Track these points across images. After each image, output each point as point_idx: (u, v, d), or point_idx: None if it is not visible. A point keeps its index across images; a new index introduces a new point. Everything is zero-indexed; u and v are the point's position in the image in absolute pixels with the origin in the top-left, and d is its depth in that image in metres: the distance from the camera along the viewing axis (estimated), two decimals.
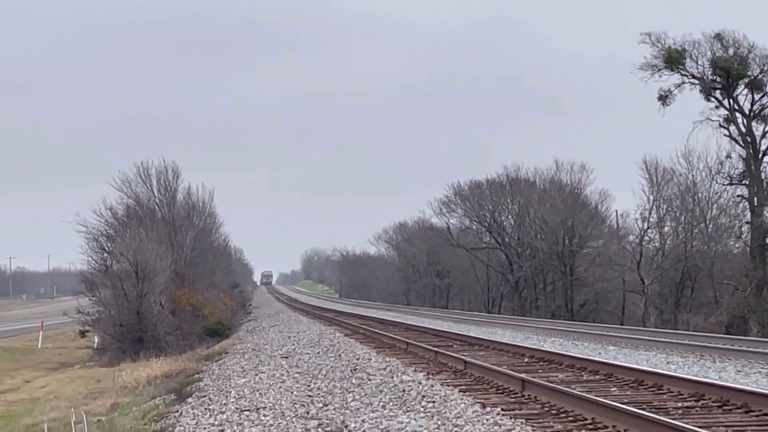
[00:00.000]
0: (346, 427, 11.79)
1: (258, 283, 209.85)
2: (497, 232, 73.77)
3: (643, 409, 11.02)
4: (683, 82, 48.24)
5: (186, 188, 62.08)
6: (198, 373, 23.46)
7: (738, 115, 47.21)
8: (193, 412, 14.49)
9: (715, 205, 52.31)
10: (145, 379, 25.88)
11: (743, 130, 47.11)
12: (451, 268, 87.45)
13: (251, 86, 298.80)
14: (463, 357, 18.80)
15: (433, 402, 13.28)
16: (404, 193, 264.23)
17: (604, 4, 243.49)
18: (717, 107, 47.56)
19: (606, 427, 10.69)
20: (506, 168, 74.84)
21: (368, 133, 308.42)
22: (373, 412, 12.80)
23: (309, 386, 16.64)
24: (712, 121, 47.52)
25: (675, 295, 51.72)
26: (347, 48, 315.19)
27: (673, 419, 10.32)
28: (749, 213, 47.66)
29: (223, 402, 15.32)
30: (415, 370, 17.80)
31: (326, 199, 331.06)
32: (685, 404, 12.19)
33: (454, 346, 24.35)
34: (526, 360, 19.50)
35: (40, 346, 54.59)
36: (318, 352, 24.57)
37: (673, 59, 47.55)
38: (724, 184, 49.95)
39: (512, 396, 13.75)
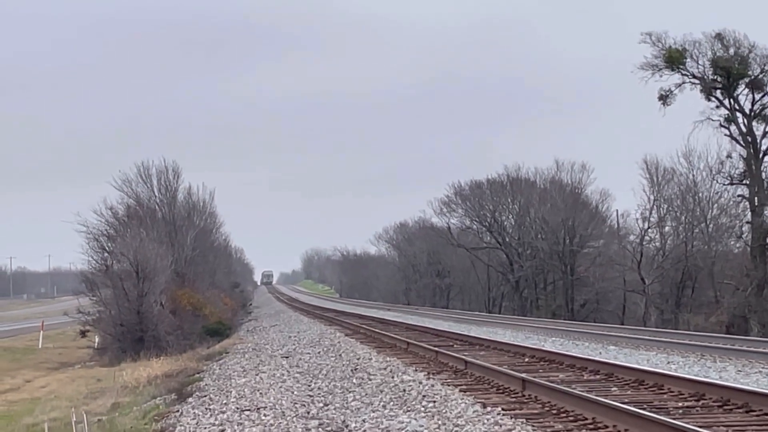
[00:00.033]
0: (347, 426, 11.79)
1: (258, 283, 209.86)
2: (498, 231, 73.76)
3: (644, 409, 11.02)
4: (684, 82, 48.26)
5: (186, 188, 62.20)
6: (198, 373, 23.47)
7: (738, 114, 47.20)
8: (194, 412, 14.49)
9: (716, 205, 52.32)
10: (146, 378, 25.88)
11: (744, 129, 47.10)
12: (451, 268, 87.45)
13: (251, 86, 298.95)
14: (463, 357, 18.79)
15: (434, 402, 13.28)
16: (405, 192, 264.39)
17: (604, 4, 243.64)
18: (717, 107, 47.59)
19: (606, 426, 10.69)
20: (507, 168, 74.91)
21: (368, 132, 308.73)
22: (373, 411, 12.80)
23: (309, 386, 16.64)
24: (712, 120, 47.55)
25: (675, 295, 51.72)
26: (347, 48, 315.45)
27: (674, 419, 10.32)
28: (750, 213, 47.65)
29: (224, 402, 15.32)
30: (416, 370, 17.79)
31: (327, 198, 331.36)
32: (686, 404, 12.18)
33: (455, 345, 24.34)
34: (526, 360, 19.50)
35: (40, 346, 54.60)
36: (318, 352, 24.57)
37: (674, 59, 47.53)
38: (724, 184, 49.98)
39: (513, 396, 13.75)
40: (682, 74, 48.05)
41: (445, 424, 11.38)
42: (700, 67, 47.75)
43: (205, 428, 12.66)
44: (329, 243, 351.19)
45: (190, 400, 16.78)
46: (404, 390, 14.90)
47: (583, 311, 60.41)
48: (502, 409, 12.13)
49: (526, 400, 13.20)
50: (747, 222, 48.59)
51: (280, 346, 28.54)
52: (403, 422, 11.63)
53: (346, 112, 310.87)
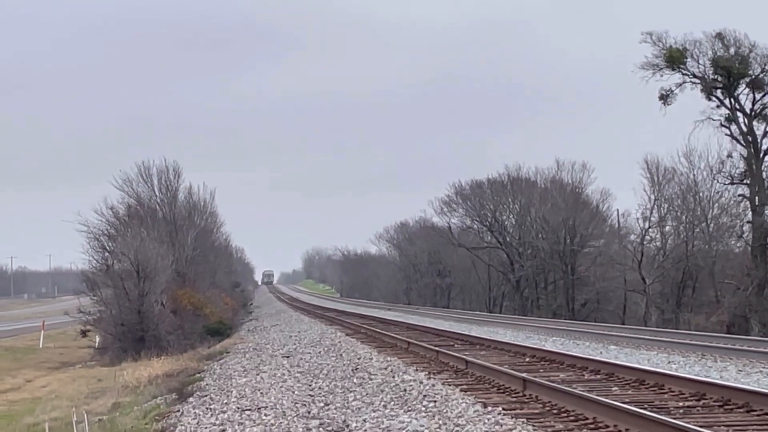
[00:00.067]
0: (348, 426, 11.79)
1: (259, 283, 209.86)
2: (498, 231, 73.78)
3: (645, 409, 11.02)
4: (684, 82, 48.24)
5: (187, 188, 62.23)
6: (199, 373, 23.48)
7: (739, 114, 47.19)
8: (195, 412, 14.50)
9: (717, 205, 52.33)
10: (147, 378, 25.89)
11: (744, 129, 47.09)
12: (452, 268, 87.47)
13: (251, 86, 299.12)
14: (464, 356, 18.80)
15: (435, 401, 13.28)
16: (405, 192, 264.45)
17: (605, 4, 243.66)
18: (718, 106, 47.57)
19: (607, 426, 10.68)
20: (507, 167, 74.97)
21: (369, 132, 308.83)
22: (374, 411, 12.80)
23: (310, 386, 16.64)
24: (713, 120, 47.54)
25: (676, 295, 51.72)
26: (347, 48, 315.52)
27: (675, 419, 10.32)
28: (750, 212, 47.64)
29: (225, 401, 15.33)
30: (417, 370, 17.80)
31: (327, 198, 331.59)
32: (687, 404, 12.18)
33: (456, 345, 24.35)
34: (527, 359, 19.50)
35: (41, 346, 54.61)
36: (319, 352, 24.57)
37: (674, 58, 47.52)
38: (725, 184, 49.99)
39: (513, 395, 13.75)
40: (683, 74, 48.07)
41: (445, 423, 11.37)
42: (700, 66, 47.80)
43: (206, 428, 12.66)
44: (330, 242, 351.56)
45: (190, 399, 16.78)
46: (405, 390, 14.90)
47: (583, 311, 60.42)
48: (503, 409, 12.13)
49: (526, 400, 13.20)
50: (748, 221, 48.59)
51: (281, 345, 28.54)
52: (403, 422, 11.63)
53: (346, 112, 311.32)
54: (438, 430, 11.11)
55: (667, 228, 55.50)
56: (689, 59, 47.75)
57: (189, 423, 13.35)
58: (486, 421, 11.31)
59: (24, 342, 59.36)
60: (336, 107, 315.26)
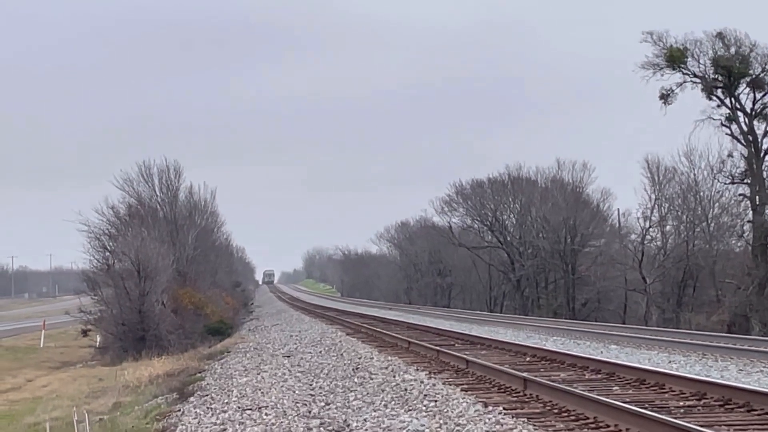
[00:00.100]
0: (348, 426, 11.79)
1: (260, 282, 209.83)
2: (499, 231, 73.79)
3: (645, 408, 11.02)
4: (685, 81, 48.24)
5: (188, 187, 62.25)
6: (200, 372, 23.49)
7: (740, 113, 47.18)
8: (195, 411, 14.50)
9: (717, 204, 52.36)
10: (147, 378, 25.91)
11: (745, 128, 47.08)
12: (452, 267, 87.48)
13: (252, 86, 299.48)
14: (465, 356, 18.80)
15: (435, 401, 13.28)
16: (406, 192, 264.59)
17: (605, 4, 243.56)
18: (719, 106, 47.57)
19: (608, 426, 10.68)
20: (508, 167, 75.02)
21: (369, 132, 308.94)
22: (375, 411, 12.80)
23: (311, 385, 16.64)
24: (713, 119, 47.54)
25: (677, 294, 51.73)
26: (347, 48, 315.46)
27: (675, 418, 10.32)
28: (751, 212, 47.63)
29: (225, 401, 15.33)
30: (417, 369, 17.80)
31: (328, 198, 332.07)
32: (687, 403, 12.18)
33: (456, 345, 24.35)
34: (528, 359, 19.50)
35: (42, 345, 54.63)
36: (320, 351, 24.57)
37: (675, 58, 47.52)
38: (725, 183, 50.01)
39: (514, 395, 13.75)
40: (683, 73, 48.06)
41: (446, 423, 11.38)
42: (701, 66, 47.79)
43: (207, 427, 12.67)
44: (331, 242, 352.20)
45: (191, 399, 16.79)
46: (405, 389, 14.90)
47: (584, 310, 60.42)
48: (504, 409, 12.13)
49: (527, 400, 13.20)
50: (748, 221, 48.59)
51: (282, 345, 28.54)
52: (404, 421, 11.63)
53: (346, 112, 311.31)
54: (439, 429, 11.11)
55: (668, 227, 55.55)
56: (690, 59, 47.77)
57: (190, 422, 13.35)
58: (487, 420, 11.31)
59: (25, 341, 59.39)
60: (336, 107, 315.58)
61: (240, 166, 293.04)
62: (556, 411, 11.99)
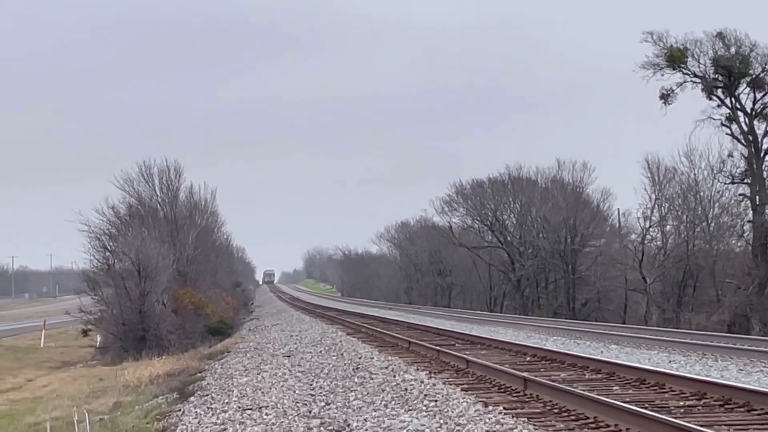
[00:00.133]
0: (349, 426, 11.80)
1: (260, 282, 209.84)
2: (499, 230, 73.80)
3: (645, 408, 11.03)
4: (685, 81, 48.23)
5: (188, 187, 62.26)
6: (200, 372, 23.49)
7: (740, 113, 47.17)
8: (196, 411, 14.51)
9: (717, 204, 52.36)
10: (148, 377, 25.91)
11: (745, 128, 47.08)
12: (453, 267, 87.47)
13: (252, 86, 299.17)
14: (465, 356, 18.80)
15: (436, 401, 13.29)
16: (406, 191, 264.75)
17: (605, 4, 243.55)
18: (719, 106, 47.57)
19: (608, 426, 10.69)
20: (508, 167, 75.04)
21: (369, 131, 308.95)
22: (375, 411, 12.81)
23: (311, 385, 16.65)
24: (713, 119, 47.54)
25: (677, 294, 51.73)
26: (347, 48, 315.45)
27: (675, 418, 10.33)
28: (751, 212, 47.64)
29: (226, 401, 15.34)
30: (417, 369, 17.81)
31: (328, 198, 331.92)
32: (687, 403, 12.19)
33: (456, 345, 24.35)
34: (528, 359, 19.51)
35: (42, 345, 54.63)
36: (320, 351, 24.58)
37: (675, 58, 47.51)
38: (726, 183, 50.01)
39: (514, 395, 13.75)
40: (684, 73, 48.06)
41: (446, 423, 11.38)
42: (701, 66, 47.79)
43: (207, 427, 12.67)
44: (331, 242, 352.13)
45: (191, 399, 16.79)
46: (406, 389, 14.91)
47: (584, 310, 60.42)
48: (504, 408, 12.14)
49: (527, 400, 13.21)
50: (748, 221, 48.59)
51: (282, 345, 28.55)
52: (404, 421, 11.63)
53: (346, 112, 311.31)
54: (439, 429, 11.11)
55: (668, 227, 55.55)
56: (690, 59, 47.76)
57: (190, 422, 13.36)
58: (487, 420, 11.31)
59: (25, 341, 59.39)
60: (336, 107, 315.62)
61: (240, 166, 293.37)
62: (556, 411, 12.00)
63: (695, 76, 47.88)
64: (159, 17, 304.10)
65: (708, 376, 15.58)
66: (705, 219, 52.28)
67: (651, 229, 55.18)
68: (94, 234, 49.46)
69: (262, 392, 16.03)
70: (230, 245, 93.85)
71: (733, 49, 46.97)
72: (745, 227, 50.10)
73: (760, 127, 47.05)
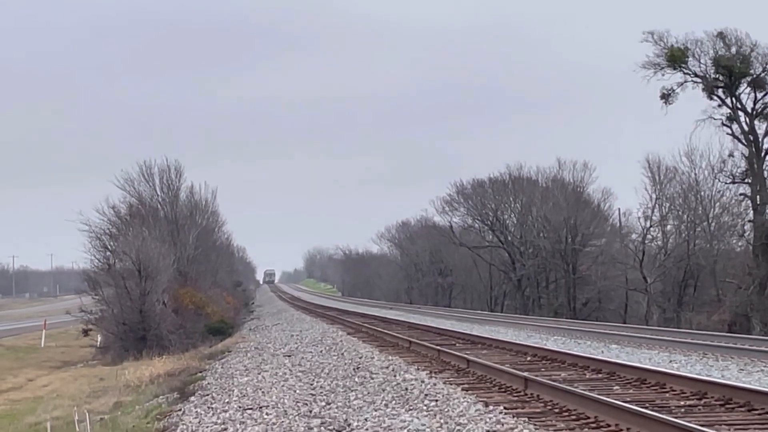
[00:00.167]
0: (349, 425, 11.79)
1: (261, 282, 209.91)
2: (500, 230, 73.79)
3: (646, 408, 11.02)
4: (686, 81, 48.20)
5: (189, 187, 62.27)
6: (201, 372, 23.49)
7: (740, 113, 47.14)
8: (196, 411, 14.50)
9: (718, 204, 52.33)
10: (148, 377, 25.91)
11: (746, 128, 47.06)
12: (453, 267, 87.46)
13: (252, 86, 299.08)
14: (465, 355, 18.81)
15: (436, 400, 13.29)
16: (406, 191, 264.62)
17: (606, 4, 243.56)
18: (719, 106, 47.54)
19: (609, 425, 10.69)
20: (509, 166, 75.04)
21: (370, 131, 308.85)
22: (375, 410, 12.81)
23: (312, 385, 16.65)
24: (714, 119, 47.52)
25: (677, 294, 51.71)
26: (347, 48, 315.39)
27: (676, 418, 10.33)
28: (752, 211, 47.62)
29: (226, 400, 15.34)
30: (418, 369, 17.81)
31: (329, 197, 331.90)
32: (688, 403, 12.19)
33: (457, 344, 24.36)
34: (528, 358, 19.51)
35: (43, 345, 54.64)
36: (321, 351, 24.58)
37: (676, 58, 47.50)
38: (726, 183, 49.98)
39: (515, 394, 13.76)
40: (684, 73, 48.03)
41: (447, 423, 11.38)
42: (702, 65, 47.76)
43: (208, 427, 12.67)
44: (331, 242, 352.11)
45: (192, 398, 16.79)
46: (406, 389, 14.91)
47: (585, 310, 60.41)
48: (504, 408, 12.14)
49: (528, 399, 13.21)
50: (749, 220, 48.58)
51: (283, 344, 28.55)
52: (405, 421, 11.63)
53: (347, 112, 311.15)
54: (439, 429, 11.11)
55: (669, 227, 55.54)
56: (690, 58, 47.74)
57: (191, 422, 13.36)
58: (487, 420, 11.31)
59: (26, 341, 59.39)
60: (336, 107, 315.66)
61: (240, 166, 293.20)
62: (556, 410, 12.00)
63: (696, 75, 47.87)
64: (159, 17, 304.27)
65: (709, 375, 15.58)
66: (706, 219, 52.27)
67: (651, 228, 55.20)
68: (95, 234, 49.52)
69: (263, 392, 16.03)
70: (231, 245, 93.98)
71: (733, 49, 46.95)
72: (745, 227, 50.11)
73: (760, 126, 47.06)
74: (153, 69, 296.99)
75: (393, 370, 17.85)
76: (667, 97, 48.57)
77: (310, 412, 13.17)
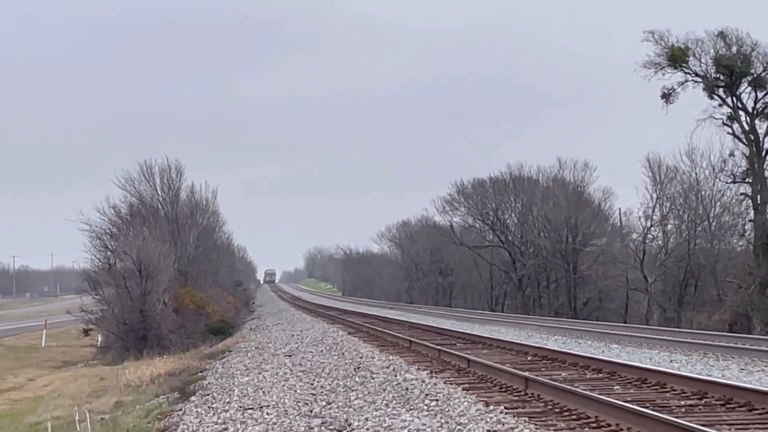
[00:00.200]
0: (350, 425, 11.79)
1: (261, 282, 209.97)
2: (500, 230, 73.78)
3: (647, 408, 11.02)
4: (686, 80, 48.15)
5: (189, 186, 62.30)
6: (201, 372, 23.48)
7: (741, 113, 47.10)
8: (197, 411, 14.50)
9: (719, 203, 52.32)
10: (149, 377, 25.91)
11: (746, 128, 47.02)
12: (454, 267, 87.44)
13: (252, 86, 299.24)
14: (466, 355, 18.81)
15: (437, 400, 13.28)
16: (407, 191, 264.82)
17: (606, 3, 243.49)
18: (720, 105, 47.49)
19: (609, 425, 10.68)
20: (509, 166, 75.04)
21: (370, 131, 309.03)
22: (376, 410, 12.80)
23: (312, 384, 16.65)
24: (715, 119, 47.47)
25: (678, 293, 51.70)
26: (347, 48, 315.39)
27: (677, 417, 10.32)
28: (752, 211, 47.59)
29: (227, 400, 15.33)
30: (419, 369, 17.81)
31: (329, 197, 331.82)
32: (689, 402, 12.18)
33: (458, 344, 24.35)
34: (529, 358, 19.50)
35: (43, 345, 54.64)
36: (321, 351, 24.58)
37: (677, 57, 47.46)
38: (727, 182, 49.94)
39: (516, 394, 13.75)
40: (685, 72, 47.99)
41: (447, 422, 11.38)
42: (702, 65, 47.72)
43: (208, 427, 12.67)
44: (332, 241, 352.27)
45: (193, 398, 16.79)
46: (407, 388, 14.91)
47: (585, 309, 60.40)
48: (505, 408, 12.13)
49: (528, 399, 13.21)
50: (750, 220, 48.55)
51: (283, 344, 28.55)
52: (405, 421, 11.63)
53: (347, 112, 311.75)
54: (440, 428, 11.11)
55: (669, 227, 55.52)
56: (691, 58, 47.70)
57: (191, 422, 13.36)
58: (488, 419, 11.31)
59: (26, 341, 59.40)
60: (337, 106, 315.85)
61: (241, 166, 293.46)
62: (557, 410, 12.00)
63: (696, 75, 47.83)
64: (159, 17, 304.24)
65: (709, 375, 15.57)
66: (706, 218, 52.25)
67: (652, 228, 55.19)
68: (96, 233, 49.54)
69: (264, 392, 16.02)
70: (231, 244, 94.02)
71: (734, 49, 46.92)
72: (746, 226, 50.08)
73: (761, 126, 47.02)
74: (153, 69, 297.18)
75: (393, 370, 17.85)
76: (667, 96, 48.55)
77: (311, 411, 13.17)
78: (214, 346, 35.99)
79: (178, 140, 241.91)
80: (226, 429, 12.34)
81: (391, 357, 20.77)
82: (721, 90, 47.32)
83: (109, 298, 45.41)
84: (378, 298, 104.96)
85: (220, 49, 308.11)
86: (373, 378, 16.91)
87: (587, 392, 12.41)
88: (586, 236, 64.56)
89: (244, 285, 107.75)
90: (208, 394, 16.77)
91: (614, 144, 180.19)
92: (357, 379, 17.04)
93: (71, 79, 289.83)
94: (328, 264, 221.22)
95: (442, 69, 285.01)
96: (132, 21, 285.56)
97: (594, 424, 10.87)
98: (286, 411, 13.34)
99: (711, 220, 52.26)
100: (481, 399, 13.09)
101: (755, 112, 46.93)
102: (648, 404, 11.76)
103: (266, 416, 12.97)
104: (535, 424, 10.90)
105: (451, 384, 15.13)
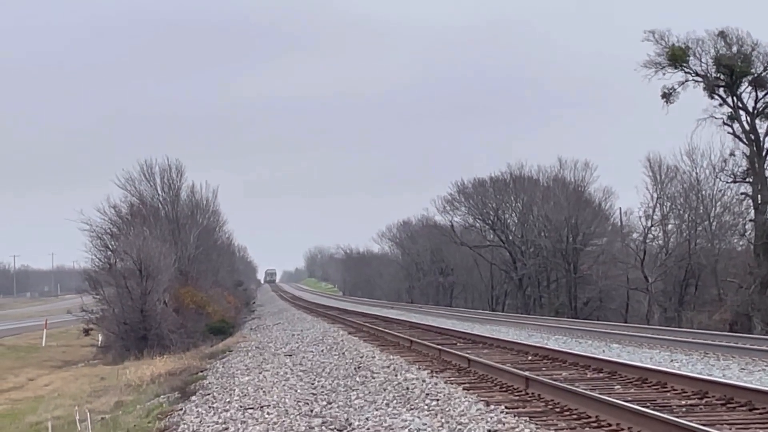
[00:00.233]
0: (350, 425, 11.79)
1: (262, 282, 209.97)
2: (501, 229, 73.78)
3: (647, 407, 11.02)
4: (687, 80, 48.16)
5: (190, 186, 62.32)
6: (202, 371, 23.48)
7: (742, 112, 47.10)
8: (197, 410, 14.50)
9: (719, 203, 52.31)
10: (149, 377, 25.92)
11: (747, 127, 47.02)
12: (454, 266, 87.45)
13: (252, 86, 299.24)
14: (466, 355, 18.80)
15: (437, 400, 13.28)
16: (407, 191, 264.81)
17: (607, 3, 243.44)
18: (721, 105, 47.49)
19: (610, 425, 10.68)
20: (510, 166, 75.06)
21: (370, 131, 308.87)
22: (376, 410, 12.80)
23: (313, 384, 16.65)
24: (715, 118, 47.48)
25: (679, 293, 51.70)
26: (347, 48, 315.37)
27: (677, 417, 10.32)
28: (753, 210, 47.59)
29: (227, 400, 15.33)
30: (419, 368, 17.81)
31: (329, 197, 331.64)
32: (689, 402, 12.18)
33: (458, 344, 24.34)
34: (529, 358, 19.50)
35: (44, 344, 54.66)
36: (322, 350, 24.58)
37: (677, 57, 47.46)
38: (727, 182, 49.94)
39: (516, 394, 13.75)
40: (685, 72, 47.99)
41: (448, 422, 11.38)
42: (703, 65, 47.72)
43: (209, 426, 12.67)
44: (332, 241, 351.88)
45: (193, 398, 16.79)
46: (407, 388, 14.90)
47: (586, 309, 60.39)
48: (506, 407, 12.13)
49: (529, 398, 13.20)
50: (750, 220, 48.56)
51: (284, 344, 28.55)
52: (406, 420, 11.63)
53: (347, 111, 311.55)
54: (440, 428, 11.11)
55: (670, 226, 55.52)
56: (692, 57, 47.70)
57: (192, 421, 13.36)
58: (489, 419, 11.31)
59: (27, 340, 59.41)
60: (337, 106, 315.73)
61: (241, 166, 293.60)
62: (558, 410, 11.99)
63: (697, 74, 47.83)
64: (159, 17, 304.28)
65: (710, 375, 15.57)
66: (707, 218, 52.25)
67: (653, 228, 55.20)
68: (96, 233, 49.58)
69: (264, 391, 16.02)
70: (232, 244, 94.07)
71: (734, 48, 46.92)
72: (746, 226, 50.09)
73: (761, 126, 47.02)
74: (153, 69, 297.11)
75: (394, 370, 17.85)
76: (668, 96, 48.55)
77: (312, 411, 13.17)
78: (215, 346, 35.99)
79: (178, 140, 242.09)
80: (226, 428, 12.34)
81: (391, 357, 20.77)
82: (721, 90, 47.33)
83: (109, 298, 45.43)
84: (378, 298, 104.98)
85: (220, 49, 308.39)
86: (373, 378, 16.91)
87: (588, 392, 12.40)
88: (586, 236, 64.56)
89: (245, 285, 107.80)
90: (209, 394, 16.77)
91: (615, 144, 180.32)
92: (357, 378, 17.04)
93: (71, 79, 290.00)
94: (328, 264, 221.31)
95: (443, 69, 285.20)
96: (132, 21, 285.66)
97: (594, 424, 10.87)
98: (286, 410, 13.34)
99: (711, 220, 52.26)
100: (482, 399, 13.08)
101: (756, 111, 46.93)
102: (649, 404, 11.76)
103: (267, 416, 12.97)
104: (536, 424, 10.90)
105: (452, 384, 15.13)
